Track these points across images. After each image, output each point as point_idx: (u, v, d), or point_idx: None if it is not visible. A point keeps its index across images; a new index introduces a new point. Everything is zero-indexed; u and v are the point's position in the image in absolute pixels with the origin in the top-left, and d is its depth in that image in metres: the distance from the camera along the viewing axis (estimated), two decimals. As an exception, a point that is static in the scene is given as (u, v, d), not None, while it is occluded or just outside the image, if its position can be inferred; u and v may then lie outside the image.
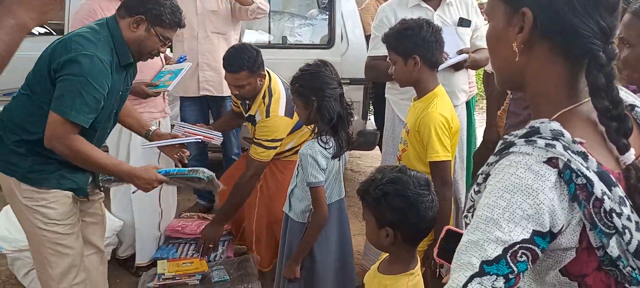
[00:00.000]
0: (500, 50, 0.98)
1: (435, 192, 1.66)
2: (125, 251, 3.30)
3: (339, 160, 2.34)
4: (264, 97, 2.96)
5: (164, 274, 2.92)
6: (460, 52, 2.81)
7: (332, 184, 2.35)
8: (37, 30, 4.65)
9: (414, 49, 2.19)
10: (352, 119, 2.34)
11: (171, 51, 3.70)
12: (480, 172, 0.97)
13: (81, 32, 2.10)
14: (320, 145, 2.23)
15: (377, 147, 4.60)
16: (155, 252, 3.27)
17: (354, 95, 4.06)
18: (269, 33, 4.51)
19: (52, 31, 4.94)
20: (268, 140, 2.95)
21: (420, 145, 2.26)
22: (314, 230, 2.29)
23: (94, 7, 2.83)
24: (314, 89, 2.22)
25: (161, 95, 3.08)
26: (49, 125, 2.00)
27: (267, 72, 3.01)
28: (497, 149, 0.94)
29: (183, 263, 2.97)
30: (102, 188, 2.46)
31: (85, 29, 2.14)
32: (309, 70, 2.26)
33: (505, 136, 0.94)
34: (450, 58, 2.72)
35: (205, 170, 2.31)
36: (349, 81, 3.96)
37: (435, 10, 2.87)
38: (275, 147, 2.98)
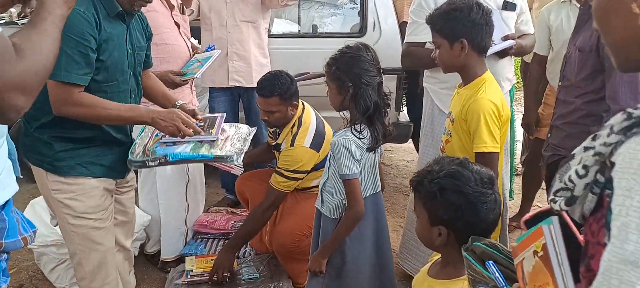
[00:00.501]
0: (616, 20, 0.81)
1: (498, 191, 1.49)
2: (152, 246, 3.21)
3: (374, 152, 2.18)
4: (293, 127, 2.84)
5: (192, 271, 2.82)
6: (505, 38, 2.62)
7: (366, 177, 2.19)
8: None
9: (461, 31, 2.04)
10: (388, 109, 2.18)
11: (199, 43, 3.60)
12: (580, 150, 0.81)
13: None
14: (354, 135, 2.07)
15: (410, 140, 4.44)
16: (182, 247, 3.18)
17: (387, 85, 3.89)
18: (299, 23, 4.37)
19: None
20: (289, 170, 2.80)
21: (466, 134, 2.11)
22: (348, 224, 2.14)
23: None
24: (351, 74, 2.06)
25: (189, 86, 2.98)
26: (49, 95, 1.89)
27: (302, 103, 2.91)
28: (618, 126, 0.77)
29: (211, 260, 2.86)
30: (133, 176, 2.36)
31: None
32: (348, 53, 2.10)
33: (630, 111, 0.77)
34: (495, 44, 2.54)
35: (232, 155, 2.14)
36: (381, 71, 3.80)
37: None
38: (296, 179, 2.83)
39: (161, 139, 2.20)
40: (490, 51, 2.51)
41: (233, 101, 3.73)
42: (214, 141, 2.17)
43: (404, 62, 2.96)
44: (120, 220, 2.30)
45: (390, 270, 2.34)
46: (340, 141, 2.07)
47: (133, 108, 2.06)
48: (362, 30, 4.02)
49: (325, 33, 4.30)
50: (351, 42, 3.80)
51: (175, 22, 2.89)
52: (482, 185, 1.41)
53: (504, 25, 2.66)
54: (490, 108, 2.03)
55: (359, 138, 2.07)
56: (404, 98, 4.47)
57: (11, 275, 3.12)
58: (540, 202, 4.11)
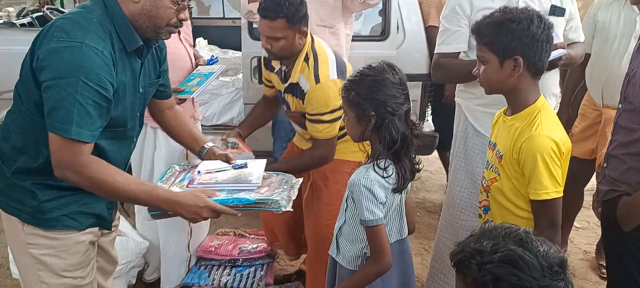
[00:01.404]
0: None
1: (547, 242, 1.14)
2: (152, 274, 2.93)
3: (400, 193, 1.82)
4: (307, 60, 2.40)
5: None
6: (554, 48, 2.26)
7: (391, 221, 1.84)
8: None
9: (517, 47, 1.70)
10: (417, 141, 1.80)
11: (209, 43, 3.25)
12: None
13: (69, 14, 1.64)
14: (377, 172, 1.71)
15: (435, 151, 4.11)
16: (184, 276, 2.89)
17: (411, 93, 3.50)
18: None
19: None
20: (327, 112, 2.36)
21: (519, 176, 1.76)
22: (369, 277, 1.78)
23: None
24: (374, 101, 1.69)
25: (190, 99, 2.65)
26: (51, 150, 1.56)
27: (310, 34, 2.47)
28: None
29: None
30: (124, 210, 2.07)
31: (75, 9, 1.67)
32: (371, 76, 1.72)
33: None
34: None
35: (279, 200, 1.78)
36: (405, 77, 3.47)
37: None
38: (338, 118, 2.38)
39: (187, 185, 1.88)
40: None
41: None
42: (253, 189, 1.84)
43: (436, 75, 2.61)
44: (100, 264, 1.96)
45: None
46: (361, 181, 1.70)
47: (150, 191, 1.70)
48: (384, 32, 3.66)
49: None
50: (373, 45, 3.59)
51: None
52: (552, 276, 1.06)
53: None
54: (550, 147, 1.68)
55: (383, 177, 1.72)
56: (429, 106, 4.14)
57: None
58: (578, 221, 3.75)
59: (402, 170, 1.74)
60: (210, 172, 1.96)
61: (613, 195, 2.04)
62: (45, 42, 1.55)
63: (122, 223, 2.70)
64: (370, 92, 1.70)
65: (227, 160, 2.04)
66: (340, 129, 2.43)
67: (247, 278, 2.91)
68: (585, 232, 3.59)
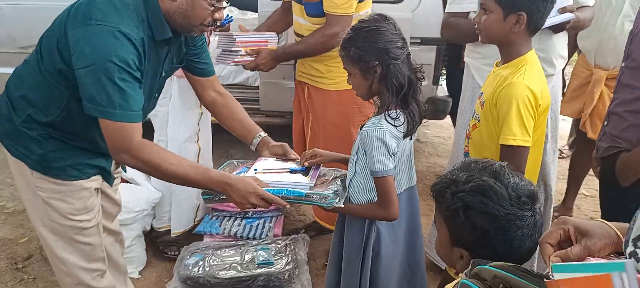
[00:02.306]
0: None
1: (541, 211, 1.20)
2: (162, 223, 3.02)
3: (410, 138, 1.86)
4: None
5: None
6: (562, 11, 2.27)
7: (402, 169, 1.87)
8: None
9: (524, 3, 1.73)
10: (421, 84, 1.84)
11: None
12: None
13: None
14: (389, 122, 1.73)
15: (448, 116, 4.13)
16: (192, 221, 3.01)
17: (426, 57, 3.62)
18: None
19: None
20: None
21: (496, 122, 1.81)
22: (375, 216, 1.83)
23: None
24: (375, 50, 1.70)
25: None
26: (105, 136, 1.63)
27: None
28: None
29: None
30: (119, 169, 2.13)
31: None
32: (366, 27, 1.73)
33: None
34: (550, 16, 2.21)
35: (329, 195, 1.76)
36: (420, 41, 3.51)
37: None
38: None
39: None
40: (545, 25, 2.20)
41: None
42: (308, 187, 1.83)
43: (444, 33, 2.64)
44: (104, 208, 2.05)
45: (422, 274, 2.04)
46: (374, 132, 1.72)
47: (203, 173, 1.74)
48: (399, -5, 3.67)
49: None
50: (387, 8, 3.60)
51: None
52: (519, 206, 1.11)
53: None
54: (526, 95, 1.73)
55: (395, 125, 1.74)
56: (443, 70, 4.14)
57: (21, 245, 3.02)
58: (586, 189, 3.76)
59: (410, 114, 1.77)
60: (267, 172, 1.92)
61: (612, 152, 2.06)
62: (81, 20, 1.58)
63: (137, 174, 2.81)
64: (369, 42, 1.71)
65: (284, 152, 2.03)
66: None
67: (257, 228, 3.01)
68: (593, 199, 3.60)
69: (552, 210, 2.66)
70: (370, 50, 1.71)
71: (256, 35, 2.69)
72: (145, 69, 1.70)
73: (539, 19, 1.77)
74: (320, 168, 1.98)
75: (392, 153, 1.74)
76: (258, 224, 3.04)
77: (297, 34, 2.73)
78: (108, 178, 1.97)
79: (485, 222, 1.11)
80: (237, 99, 4.10)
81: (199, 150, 2.89)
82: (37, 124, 1.73)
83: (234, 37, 2.59)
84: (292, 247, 2.76)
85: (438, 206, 1.22)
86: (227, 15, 3.01)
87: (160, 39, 1.73)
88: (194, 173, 1.72)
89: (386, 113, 1.74)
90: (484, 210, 1.11)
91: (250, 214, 3.07)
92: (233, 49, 2.56)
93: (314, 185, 1.84)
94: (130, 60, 1.58)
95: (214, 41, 2.81)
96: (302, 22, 2.64)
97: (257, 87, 4.01)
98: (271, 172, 1.91)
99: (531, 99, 1.75)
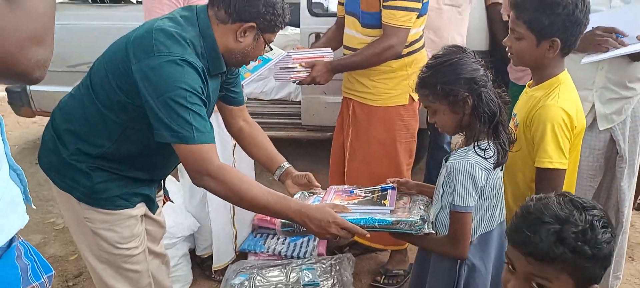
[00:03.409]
0: None
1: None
2: (203, 250, 3.02)
3: (501, 168, 1.73)
4: None
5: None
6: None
7: (494, 202, 1.74)
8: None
9: (559, 30, 1.68)
10: (507, 107, 1.74)
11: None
12: None
13: (165, 27, 1.66)
14: (479, 154, 1.64)
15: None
16: (232, 252, 2.99)
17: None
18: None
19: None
20: None
21: (531, 144, 1.77)
22: (443, 252, 1.75)
23: None
24: (463, 82, 1.62)
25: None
26: (184, 162, 1.64)
27: None
28: None
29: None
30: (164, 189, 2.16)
31: (169, 22, 1.70)
32: (447, 61, 1.65)
33: None
34: (628, 44, 2.11)
35: (417, 221, 1.70)
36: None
37: None
38: (416, 10, 2.44)
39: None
40: (622, 52, 2.09)
41: None
42: (389, 212, 1.80)
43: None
44: (149, 231, 2.06)
45: None
46: (461, 165, 1.63)
47: (281, 201, 1.71)
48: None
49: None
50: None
51: None
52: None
53: (637, 17, 2.15)
54: (561, 117, 1.69)
55: (484, 157, 1.64)
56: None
57: (71, 262, 3.10)
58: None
59: (501, 144, 1.68)
60: (339, 195, 1.93)
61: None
62: (143, 54, 1.61)
63: (175, 198, 2.84)
64: (455, 74, 1.64)
65: (308, 182, 2.02)
66: None
67: (301, 247, 3.00)
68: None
69: (626, 245, 2.58)
70: (458, 82, 1.63)
71: (312, 52, 2.69)
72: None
73: (573, 42, 1.74)
74: (394, 195, 1.94)
75: (480, 187, 1.66)
76: (302, 242, 3.04)
77: (347, 47, 2.72)
78: (152, 206, 1.99)
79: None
80: (279, 113, 4.20)
81: None
82: (86, 157, 1.75)
83: (290, 54, 2.61)
84: (338, 267, 2.74)
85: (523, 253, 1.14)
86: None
87: (216, 72, 1.78)
88: (274, 202, 1.70)
89: (475, 144, 1.66)
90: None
91: (294, 232, 3.07)
92: (289, 65, 2.57)
93: (394, 210, 1.81)
94: (197, 86, 1.62)
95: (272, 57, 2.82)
96: (355, 34, 2.64)
97: (299, 102, 4.03)
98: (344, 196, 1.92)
99: (566, 120, 1.71)
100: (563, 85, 1.76)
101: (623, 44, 2.07)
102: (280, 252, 2.97)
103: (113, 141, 1.74)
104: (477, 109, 1.64)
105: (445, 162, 1.76)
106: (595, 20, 2.15)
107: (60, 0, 4.30)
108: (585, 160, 2.37)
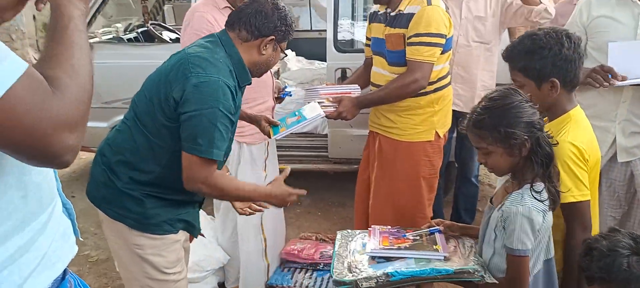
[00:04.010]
0: None
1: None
2: (233, 283, 3.06)
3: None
4: None
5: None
6: None
7: (543, 243, 1.74)
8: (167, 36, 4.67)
9: (552, 71, 1.75)
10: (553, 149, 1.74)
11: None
12: None
13: (197, 52, 1.85)
14: (535, 198, 1.64)
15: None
16: (263, 284, 3.01)
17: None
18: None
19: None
20: (434, 34, 2.46)
21: None
22: None
23: (209, 18, 2.54)
24: (523, 125, 1.63)
25: (271, 95, 2.79)
26: (186, 168, 1.78)
27: None
28: None
29: None
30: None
31: (198, 48, 1.88)
32: (503, 105, 1.65)
33: None
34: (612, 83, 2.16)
35: (479, 269, 1.76)
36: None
37: None
38: (440, 45, 2.52)
39: (369, 251, 1.94)
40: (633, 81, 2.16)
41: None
42: (443, 258, 1.86)
43: None
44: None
45: None
46: (519, 209, 1.63)
47: (256, 189, 2.05)
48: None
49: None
50: None
51: None
52: None
53: None
54: (571, 152, 1.73)
55: (540, 200, 1.65)
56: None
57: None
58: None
59: (554, 186, 1.69)
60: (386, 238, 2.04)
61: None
62: (182, 77, 1.77)
63: (206, 231, 2.89)
64: (516, 118, 1.64)
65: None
66: None
67: (328, 282, 3.01)
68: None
69: None
70: (518, 125, 1.64)
71: (339, 88, 2.78)
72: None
73: (573, 77, 1.78)
74: (442, 237, 1.98)
75: (538, 230, 1.66)
76: (329, 277, 3.04)
77: (374, 85, 2.80)
78: (193, 230, 2.09)
79: None
80: (306, 146, 4.23)
81: (263, 211, 2.91)
82: (138, 185, 1.88)
83: (318, 89, 2.71)
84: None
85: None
86: (286, 89, 3.03)
87: (244, 84, 1.98)
88: (248, 189, 1.99)
89: (531, 188, 1.66)
90: None
91: (321, 266, 3.09)
92: (317, 100, 2.64)
93: (448, 257, 1.86)
94: (229, 105, 1.79)
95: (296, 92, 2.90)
96: (382, 72, 2.71)
97: (326, 135, 4.08)
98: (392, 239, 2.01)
99: (577, 153, 1.74)
100: (574, 121, 1.80)
101: (617, 78, 2.16)
102: (307, 287, 2.98)
103: (162, 166, 1.86)
104: (535, 153, 1.65)
105: (491, 204, 1.78)
106: (616, 49, 2.19)
107: (97, 41, 4.47)
108: (606, 192, 2.37)
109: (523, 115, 1.64)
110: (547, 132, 1.72)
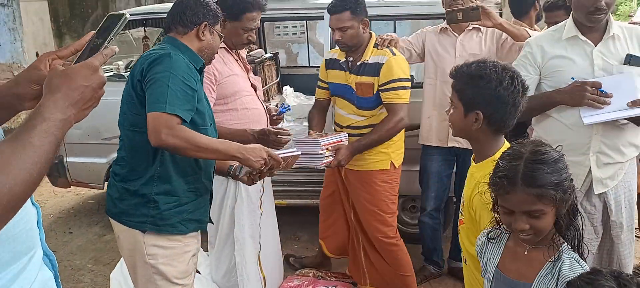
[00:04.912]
0: None
1: None
2: None
3: None
4: (376, 46, 2.91)
5: None
6: (633, 104, 2.20)
7: None
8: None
9: (481, 103, 1.72)
10: None
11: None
12: None
13: (149, 50, 2.14)
14: (581, 259, 1.49)
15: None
16: None
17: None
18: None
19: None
20: (406, 79, 2.85)
21: (476, 224, 1.75)
22: None
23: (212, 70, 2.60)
24: (567, 180, 1.46)
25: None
26: (149, 125, 1.94)
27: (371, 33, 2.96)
28: None
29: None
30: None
31: (150, 49, 2.16)
32: (554, 157, 1.45)
33: None
34: (620, 109, 2.18)
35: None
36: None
37: (595, 45, 2.32)
38: (410, 87, 2.90)
39: None
40: (616, 116, 2.19)
41: (448, 162, 3.34)
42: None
43: None
44: None
45: None
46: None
47: (224, 142, 2.15)
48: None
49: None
50: None
51: (251, 84, 2.80)
52: None
53: (635, 88, 2.22)
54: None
55: (577, 260, 1.48)
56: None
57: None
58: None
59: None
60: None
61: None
62: (144, 60, 2.02)
63: (203, 271, 2.89)
64: (565, 172, 1.46)
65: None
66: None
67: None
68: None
69: None
70: (563, 189, 1.44)
71: (333, 137, 2.89)
72: (199, 90, 2.09)
73: (499, 119, 1.72)
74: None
75: None
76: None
77: (338, 125, 3.08)
78: (204, 226, 2.27)
79: None
80: (302, 181, 4.26)
81: (260, 248, 2.93)
82: (152, 182, 2.06)
83: (319, 141, 2.79)
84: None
85: None
86: (284, 105, 3.13)
87: (198, 66, 2.14)
88: (222, 146, 2.08)
89: (577, 249, 1.51)
90: None
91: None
92: (320, 151, 2.76)
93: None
94: (182, 71, 1.98)
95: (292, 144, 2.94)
96: (350, 116, 3.00)
97: (323, 170, 4.09)
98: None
99: None
100: None
101: (609, 97, 2.19)
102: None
103: (163, 160, 2.05)
104: (569, 214, 1.49)
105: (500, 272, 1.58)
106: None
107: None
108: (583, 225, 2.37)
109: (560, 175, 1.44)
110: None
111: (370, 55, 2.87)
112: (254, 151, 2.12)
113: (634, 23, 5.82)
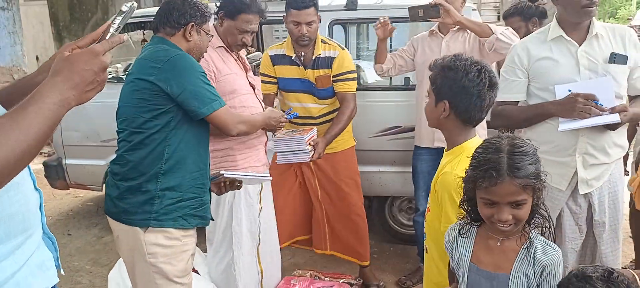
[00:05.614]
0: None
1: None
2: None
3: None
4: (322, 42, 3.15)
5: None
6: (613, 111, 2.22)
7: None
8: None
9: (447, 93, 1.80)
10: None
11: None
12: None
13: (148, 52, 2.16)
14: (551, 243, 1.57)
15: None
16: None
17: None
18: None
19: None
20: (353, 71, 3.17)
21: (439, 208, 1.83)
22: None
23: (205, 56, 2.56)
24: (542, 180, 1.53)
25: (264, 147, 2.87)
26: (217, 125, 2.20)
27: None
28: None
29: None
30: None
31: (147, 51, 2.18)
32: (532, 149, 1.51)
33: None
34: (603, 113, 2.22)
35: None
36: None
37: (579, 45, 2.35)
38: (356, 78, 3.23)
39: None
40: (597, 122, 2.21)
41: (435, 162, 3.37)
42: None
43: (495, 122, 2.64)
44: None
45: None
46: (559, 256, 1.53)
47: (255, 114, 2.56)
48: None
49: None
50: None
51: (250, 83, 2.83)
52: None
53: (613, 97, 2.25)
54: (456, 183, 1.66)
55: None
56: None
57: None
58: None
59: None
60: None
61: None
62: (155, 63, 2.07)
63: (202, 271, 2.92)
64: (537, 168, 1.50)
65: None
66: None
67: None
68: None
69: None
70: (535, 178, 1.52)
71: (310, 132, 3.03)
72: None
73: (464, 110, 1.79)
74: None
75: None
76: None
77: (305, 117, 3.25)
78: (207, 221, 2.32)
79: None
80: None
81: (259, 242, 2.96)
82: (153, 183, 2.10)
83: (303, 137, 2.91)
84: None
85: None
86: (290, 109, 3.16)
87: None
88: (259, 118, 2.55)
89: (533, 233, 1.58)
90: None
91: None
92: (305, 147, 2.92)
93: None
94: (199, 66, 2.15)
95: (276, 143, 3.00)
96: (314, 105, 3.23)
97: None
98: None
99: (461, 185, 1.63)
100: (465, 154, 1.73)
101: (604, 111, 2.20)
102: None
103: (163, 158, 2.10)
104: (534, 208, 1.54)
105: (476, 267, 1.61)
106: (562, 91, 2.28)
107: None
108: (567, 223, 2.41)
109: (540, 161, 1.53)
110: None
111: (322, 50, 3.11)
112: (276, 117, 2.59)
113: (632, 26, 5.88)
